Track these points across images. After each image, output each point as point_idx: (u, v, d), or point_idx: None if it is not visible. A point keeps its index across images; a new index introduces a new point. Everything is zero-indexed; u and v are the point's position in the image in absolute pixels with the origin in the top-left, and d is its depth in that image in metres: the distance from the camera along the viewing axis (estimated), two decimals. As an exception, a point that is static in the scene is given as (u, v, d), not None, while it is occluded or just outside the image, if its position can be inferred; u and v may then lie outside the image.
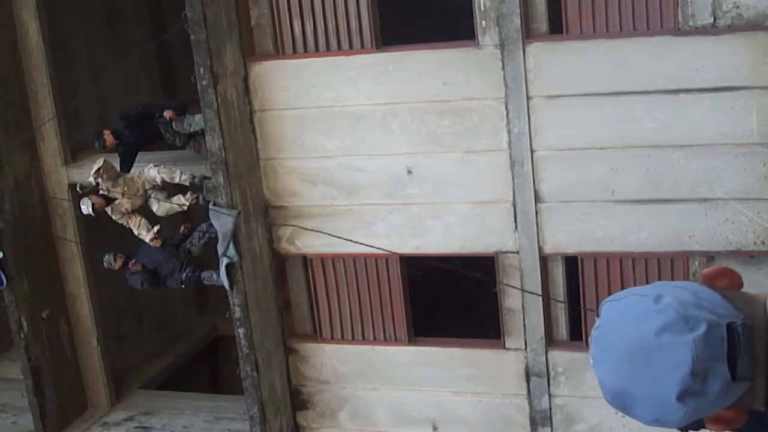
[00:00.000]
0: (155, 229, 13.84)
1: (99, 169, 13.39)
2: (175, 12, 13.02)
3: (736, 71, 11.50)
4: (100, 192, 13.54)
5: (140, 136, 14.04)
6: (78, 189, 13.63)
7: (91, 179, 13.43)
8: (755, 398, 1.96)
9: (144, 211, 13.85)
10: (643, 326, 1.92)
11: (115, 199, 13.59)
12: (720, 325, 1.90)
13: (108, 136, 13.77)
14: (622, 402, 1.98)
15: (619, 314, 2.00)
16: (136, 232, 13.85)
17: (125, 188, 13.58)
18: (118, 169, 13.80)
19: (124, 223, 13.82)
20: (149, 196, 13.80)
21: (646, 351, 1.90)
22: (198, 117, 13.40)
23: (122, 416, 15.73)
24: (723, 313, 1.93)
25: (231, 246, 13.10)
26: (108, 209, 13.57)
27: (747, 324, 1.93)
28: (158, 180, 13.60)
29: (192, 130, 13.56)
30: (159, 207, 13.74)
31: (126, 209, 13.68)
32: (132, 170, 13.87)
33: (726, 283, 2.08)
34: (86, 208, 13.48)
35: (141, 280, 13.90)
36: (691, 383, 1.87)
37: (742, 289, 2.09)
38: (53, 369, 15.09)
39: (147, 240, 13.76)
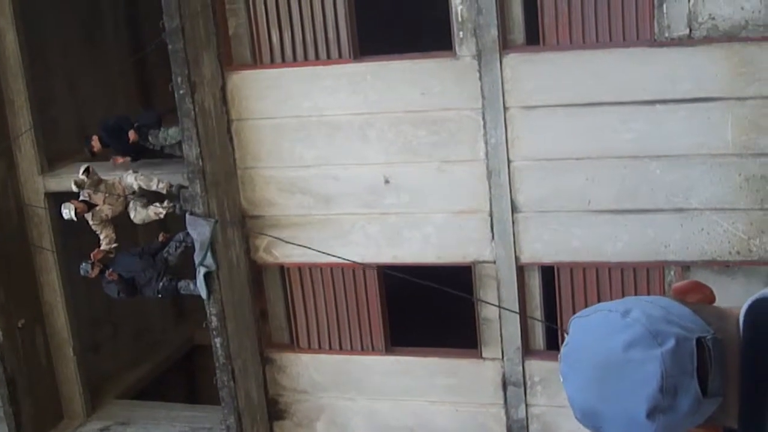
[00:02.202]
0: (111, 246, 13.82)
1: (88, 168, 13.38)
2: (153, 21, 13.00)
3: (711, 82, 11.58)
4: (81, 198, 13.46)
5: (119, 146, 14.32)
6: (73, 186, 13.43)
7: (82, 177, 13.35)
8: (728, 415, 1.93)
9: (122, 218, 13.80)
10: (610, 342, 1.87)
11: (96, 205, 13.51)
12: (689, 340, 1.85)
13: (96, 142, 14.24)
14: (592, 420, 1.93)
15: (587, 331, 1.95)
16: (105, 246, 13.81)
17: (107, 194, 13.50)
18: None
19: (98, 231, 13.73)
20: (129, 202, 13.76)
21: (615, 367, 1.85)
22: (173, 130, 13.53)
23: (98, 426, 15.64)
24: (693, 328, 1.89)
25: (208, 255, 13.08)
26: (88, 215, 13.49)
27: (718, 338, 1.89)
28: (135, 187, 13.56)
29: (167, 143, 13.70)
30: (136, 214, 13.70)
31: (106, 215, 13.61)
32: (112, 176, 13.83)
33: (698, 297, 2.04)
34: (68, 212, 13.36)
35: (117, 289, 13.85)
36: (660, 399, 1.82)
37: (715, 303, 2.05)
38: (29, 379, 14.99)
39: (102, 248, 13.84)
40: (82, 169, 13.44)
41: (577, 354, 1.94)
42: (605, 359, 1.87)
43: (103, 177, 13.70)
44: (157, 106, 15.08)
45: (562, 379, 2.01)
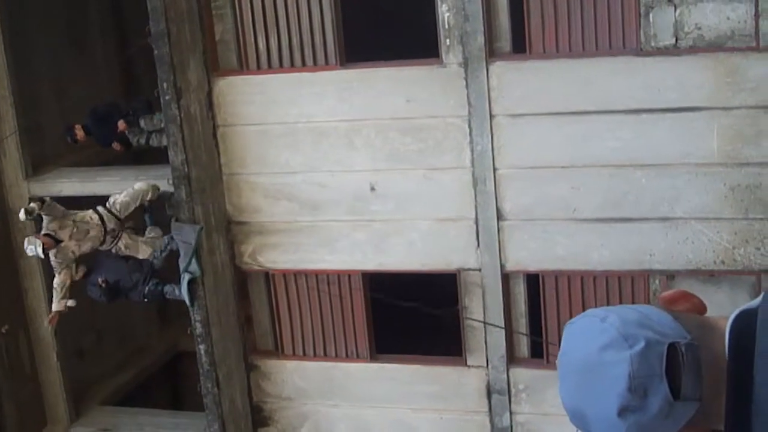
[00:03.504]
0: (68, 303, 13.22)
1: (43, 201, 12.72)
2: (140, 26, 12.97)
3: (697, 92, 11.61)
4: (44, 232, 12.68)
5: (107, 133, 14.18)
6: (22, 215, 12.62)
7: (33, 205, 12.67)
8: (712, 420, 1.98)
9: (89, 257, 13.52)
10: (589, 346, 1.96)
11: (62, 240, 12.79)
12: (661, 343, 1.92)
13: (79, 131, 13.99)
14: (579, 421, 2.01)
15: (573, 336, 2.04)
16: (56, 286, 13.12)
17: (74, 229, 12.83)
18: None
19: (57, 270, 12.98)
20: (115, 238, 13.25)
21: (592, 369, 1.94)
22: None
23: (81, 433, 15.60)
24: (669, 333, 1.95)
25: (193, 261, 13.04)
26: (52, 251, 12.76)
27: (693, 344, 1.94)
28: (118, 207, 13.11)
29: (161, 126, 13.48)
30: (140, 250, 13.42)
31: (73, 252, 12.94)
32: (85, 212, 13.14)
33: (685, 306, 2.09)
34: (33, 248, 12.58)
35: (101, 293, 13.79)
36: (629, 399, 1.90)
37: (706, 314, 2.10)
38: (12, 384, 14.91)
39: (53, 307, 13.30)
40: (37, 201, 12.83)
41: (565, 359, 2.04)
42: (584, 362, 1.97)
43: (72, 210, 13.04)
44: (144, 96, 14.90)
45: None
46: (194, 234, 12.99)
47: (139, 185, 13.29)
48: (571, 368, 2.00)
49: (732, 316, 2.00)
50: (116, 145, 14.30)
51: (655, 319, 1.99)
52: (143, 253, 13.40)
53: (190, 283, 13.18)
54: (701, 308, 2.11)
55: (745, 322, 1.97)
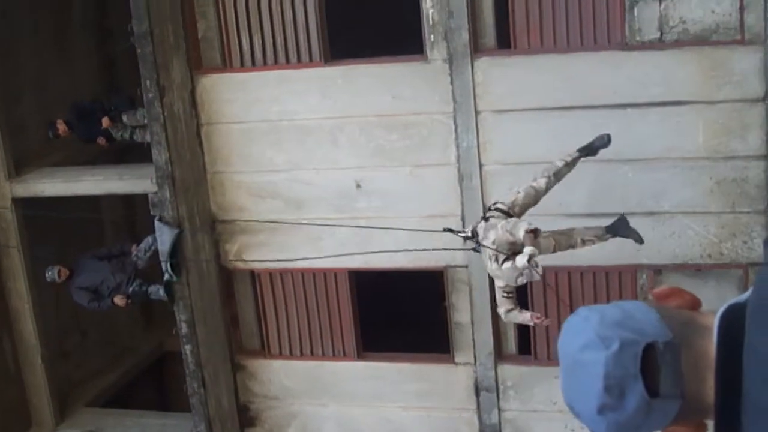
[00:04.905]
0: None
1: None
2: (123, 23, 12.88)
3: (682, 86, 11.59)
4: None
5: (90, 129, 14.15)
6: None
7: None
8: (702, 416, 2.01)
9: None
10: (571, 344, 2.03)
11: None
12: (637, 343, 1.94)
13: (61, 125, 13.97)
14: (573, 413, 2.07)
15: (564, 332, 2.09)
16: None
17: None
18: None
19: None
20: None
21: (573, 367, 2.01)
22: None
23: (67, 435, 15.50)
24: (649, 332, 1.97)
25: (168, 265, 12.96)
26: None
27: (673, 343, 1.96)
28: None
29: (144, 121, 13.45)
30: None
31: None
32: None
33: (678, 302, 2.10)
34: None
35: (87, 298, 13.72)
36: (606, 398, 1.95)
37: (700, 309, 2.10)
38: (-4, 386, 14.83)
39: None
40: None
41: (559, 354, 2.09)
42: (567, 360, 2.04)
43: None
44: (127, 92, 14.82)
45: None
46: (170, 238, 12.89)
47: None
48: (560, 363, 2.06)
49: (720, 311, 2.00)
50: (101, 140, 14.26)
51: (639, 318, 2.01)
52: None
53: (168, 284, 13.12)
54: (694, 304, 2.11)
55: (734, 316, 1.97)
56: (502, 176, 12.38)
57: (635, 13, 11.56)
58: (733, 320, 1.95)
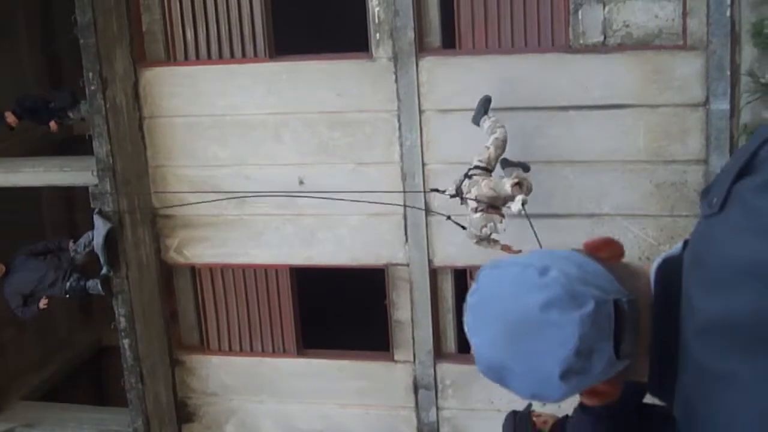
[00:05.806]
0: None
1: None
2: (66, 15, 12.75)
3: (624, 89, 11.70)
4: None
5: (38, 122, 14.22)
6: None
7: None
8: (638, 373, 1.93)
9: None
10: (527, 299, 1.85)
11: None
12: (608, 302, 1.84)
13: (9, 117, 13.94)
14: (498, 374, 1.93)
15: (501, 284, 1.93)
16: None
17: None
18: None
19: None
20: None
21: (530, 326, 1.84)
22: None
23: (2, 428, 15.27)
24: (609, 288, 1.87)
25: (103, 258, 12.88)
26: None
27: (633, 300, 1.88)
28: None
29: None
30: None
31: None
32: None
33: (609, 253, 2.03)
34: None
35: (16, 303, 13.51)
36: (574, 362, 1.81)
37: (623, 260, 2.05)
38: (-70, 379, 14.61)
39: None
40: None
41: (489, 306, 1.93)
42: (520, 317, 1.85)
43: None
44: (69, 88, 14.68)
45: (467, 329, 2.02)
46: (102, 232, 12.78)
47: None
48: (499, 319, 1.89)
49: (655, 264, 1.96)
50: (53, 125, 14.20)
51: (592, 271, 1.91)
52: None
53: (104, 278, 13.04)
54: (622, 254, 2.06)
55: (668, 268, 1.93)
56: (444, 175, 12.40)
57: (579, 17, 11.65)
58: (670, 273, 1.91)
